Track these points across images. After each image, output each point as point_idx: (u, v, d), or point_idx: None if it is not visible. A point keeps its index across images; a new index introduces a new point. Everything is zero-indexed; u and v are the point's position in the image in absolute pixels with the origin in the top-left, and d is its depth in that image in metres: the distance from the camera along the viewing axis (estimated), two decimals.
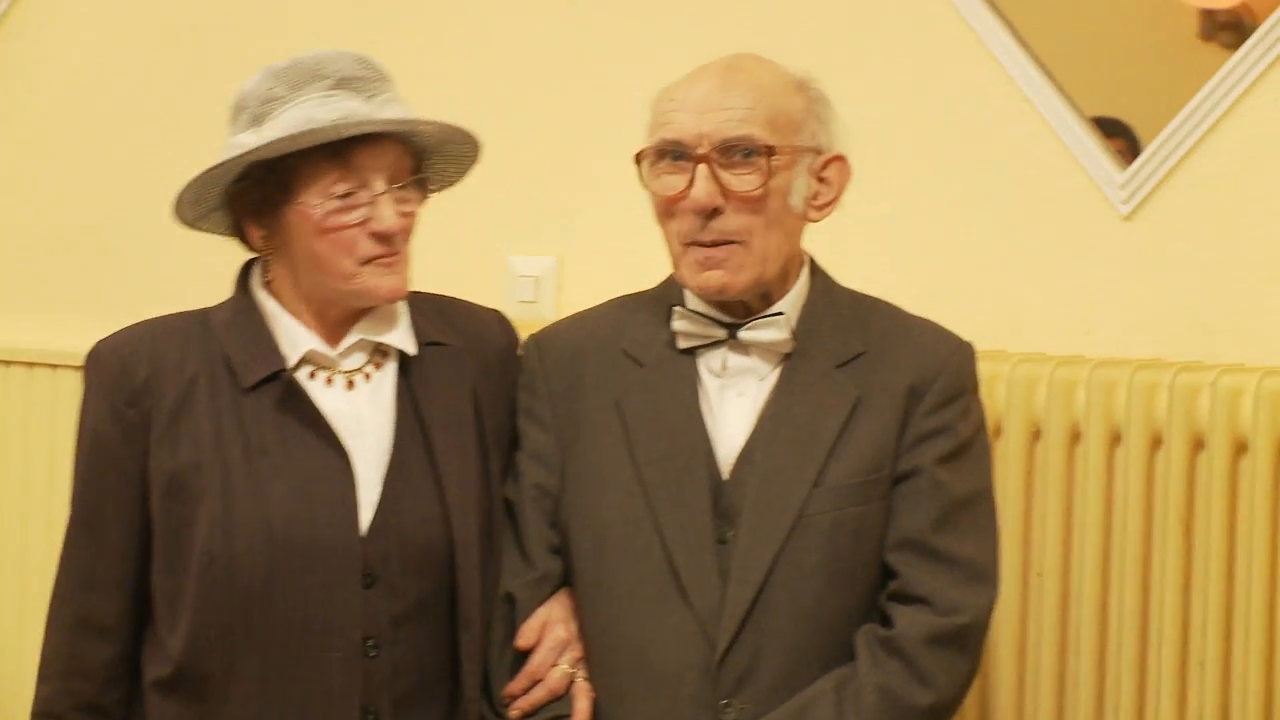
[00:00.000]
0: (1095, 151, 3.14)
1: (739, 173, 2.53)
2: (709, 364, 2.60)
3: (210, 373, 2.55)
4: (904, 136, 3.29)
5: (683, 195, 2.53)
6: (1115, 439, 2.95)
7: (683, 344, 2.60)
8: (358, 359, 2.60)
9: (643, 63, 3.36)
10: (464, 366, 2.64)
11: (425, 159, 2.61)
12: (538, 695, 2.58)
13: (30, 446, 4.07)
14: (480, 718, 2.58)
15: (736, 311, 2.59)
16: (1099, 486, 2.96)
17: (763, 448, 2.54)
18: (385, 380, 2.61)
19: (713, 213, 2.53)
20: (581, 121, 3.59)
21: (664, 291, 2.66)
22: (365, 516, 2.54)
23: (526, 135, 3.62)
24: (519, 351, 2.70)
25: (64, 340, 3.94)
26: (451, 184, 2.69)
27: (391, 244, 2.53)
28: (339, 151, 2.49)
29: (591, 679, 2.58)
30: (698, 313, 2.59)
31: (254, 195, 2.54)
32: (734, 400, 2.58)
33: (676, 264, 2.58)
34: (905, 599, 2.52)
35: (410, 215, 2.56)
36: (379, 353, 2.61)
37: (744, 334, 2.58)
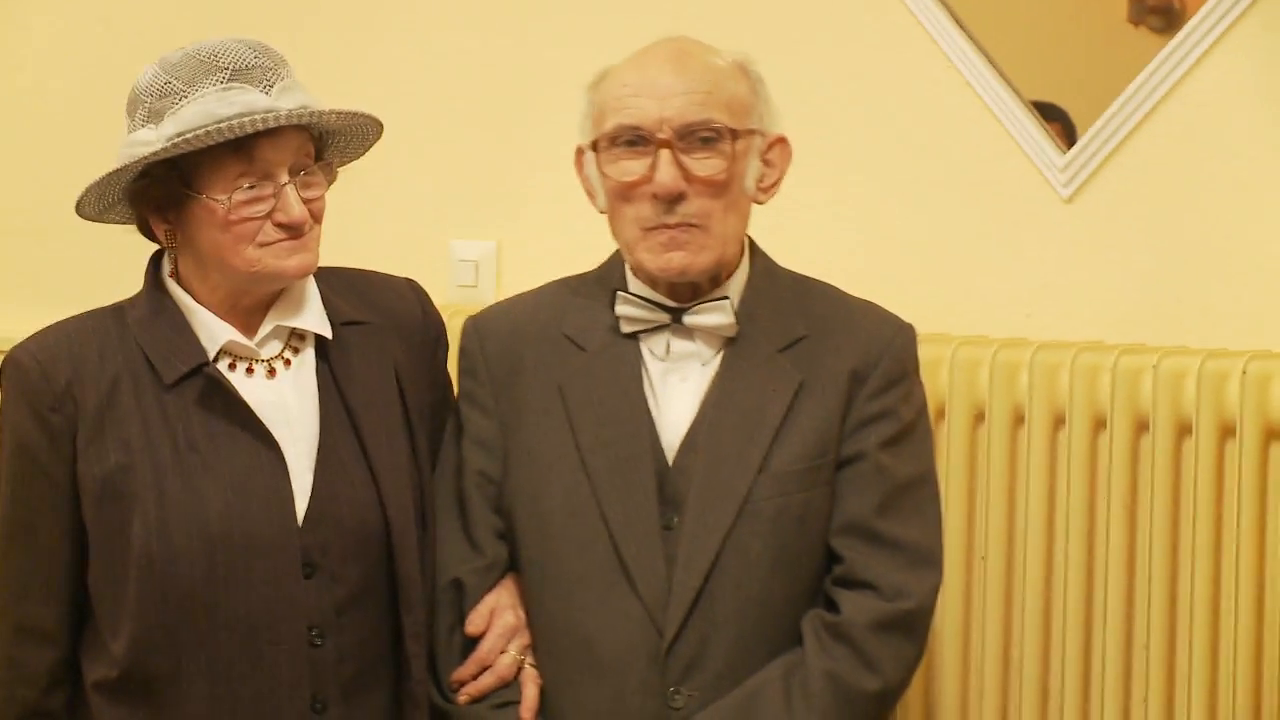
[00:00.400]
0: (1036, 135, 3.14)
1: (699, 157, 2.51)
2: (652, 348, 2.58)
3: (132, 371, 2.52)
4: (846, 120, 3.28)
5: (644, 180, 2.52)
6: (1058, 422, 2.96)
7: (626, 329, 2.59)
8: (275, 346, 2.57)
9: (583, 46, 3.33)
10: (384, 344, 2.61)
11: (328, 141, 2.58)
12: (486, 681, 2.56)
13: None
14: (429, 702, 2.57)
15: (681, 295, 2.57)
16: (1042, 469, 2.97)
17: (707, 433, 2.53)
18: (305, 365, 2.58)
19: (677, 198, 2.51)
20: (521, 107, 3.57)
21: (605, 274, 2.64)
22: (300, 506, 2.51)
23: (467, 121, 3.60)
24: (463, 342, 2.67)
25: None
26: (356, 158, 2.65)
27: (299, 231, 2.50)
28: (241, 146, 2.46)
29: (539, 665, 2.57)
30: (641, 297, 2.57)
31: (156, 192, 2.51)
32: (677, 385, 2.57)
33: (632, 249, 2.56)
34: (850, 584, 2.52)
35: (317, 200, 2.52)
36: (296, 337, 2.58)
37: (688, 318, 2.56)
